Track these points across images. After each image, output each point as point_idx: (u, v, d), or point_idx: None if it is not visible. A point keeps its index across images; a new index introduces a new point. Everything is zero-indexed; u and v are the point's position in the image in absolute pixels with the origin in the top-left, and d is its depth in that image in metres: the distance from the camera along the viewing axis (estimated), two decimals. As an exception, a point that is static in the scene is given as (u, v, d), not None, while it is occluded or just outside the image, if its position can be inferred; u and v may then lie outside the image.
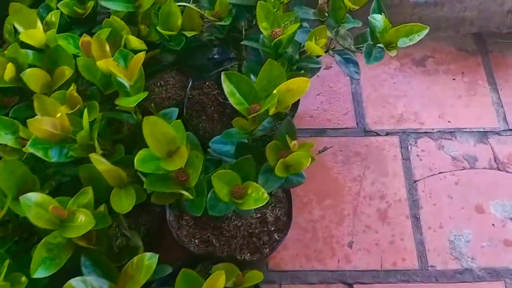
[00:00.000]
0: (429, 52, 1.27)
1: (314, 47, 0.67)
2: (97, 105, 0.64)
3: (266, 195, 0.55)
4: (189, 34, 0.75)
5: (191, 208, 0.56)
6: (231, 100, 0.60)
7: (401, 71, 1.24)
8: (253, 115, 0.60)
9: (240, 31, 0.82)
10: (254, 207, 0.54)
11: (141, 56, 0.62)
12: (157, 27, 0.71)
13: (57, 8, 0.74)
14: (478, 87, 1.20)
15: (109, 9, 0.74)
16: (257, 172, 0.61)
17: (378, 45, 0.76)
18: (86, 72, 0.66)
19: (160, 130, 0.55)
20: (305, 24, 0.89)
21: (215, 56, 0.83)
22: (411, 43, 0.73)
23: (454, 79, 1.22)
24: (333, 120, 1.16)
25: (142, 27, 0.76)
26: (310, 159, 0.59)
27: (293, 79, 0.60)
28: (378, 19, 0.74)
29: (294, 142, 0.61)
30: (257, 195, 0.56)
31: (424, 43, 1.25)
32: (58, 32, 0.73)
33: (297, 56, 0.72)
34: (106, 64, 0.61)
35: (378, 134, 1.13)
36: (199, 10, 0.76)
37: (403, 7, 1.21)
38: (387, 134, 1.13)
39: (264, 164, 0.60)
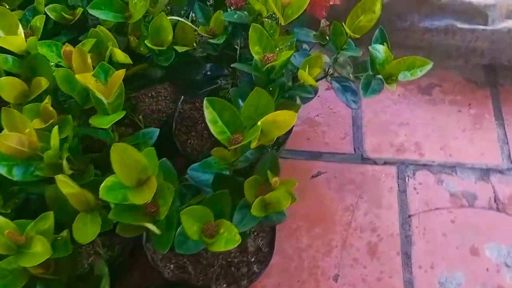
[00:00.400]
0: (437, 80, 1.22)
1: (306, 77, 0.63)
2: (71, 121, 0.60)
3: (238, 236, 0.51)
4: (180, 49, 0.72)
5: (157, 243, 0.52)
6: (212, 129, 0.57)
7: (405, 98, 1.19)
8: (235, 146, 0.56)
9: (235, 48, 0.78)
10: (224, 249, 0.50)
11: (121, 73, 0.58)
12: (146, 41, 0.68)
13: (45, 12, 0.71)
14: (484, 121, 1.15)
15: (99, 16, 0.70)
16: (234, 207, 0.57)
17: (378, 76, 0.72)
18: (64, 84, 0.62)
19: (130, 158, 0.51)
20: (305, 46, 0.85)
21: (208, 73, 0.79)
22: (412, 78, 0.69)
23: (460, 110, 1.17)
24: (331, 144, 1.12)
25: (132, 38, 0.73)
26: (290, 200, 0.55)
27: (280, 111, 0.56)
28: (380, 50, 0.70)
29: (276, 178, 0.57)
30: (229, 236, 0.52)
31: (432, 70, 1.20)
32: (45, 37, 0.70)
33: (290, 83, 0.68)
34: (84, 78, 0.57)
35: (375, 163, 1.09)
36: (192, 26, 0.72)
37: (413, 32, 1.17)
38: (385, 163, 1.09)
39: (242, 200, 0.56)
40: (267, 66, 0.63)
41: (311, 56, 0.65)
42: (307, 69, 0.64)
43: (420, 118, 1.16)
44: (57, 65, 0.66)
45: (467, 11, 1.11)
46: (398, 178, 1.07)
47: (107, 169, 0.61)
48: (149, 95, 0.92)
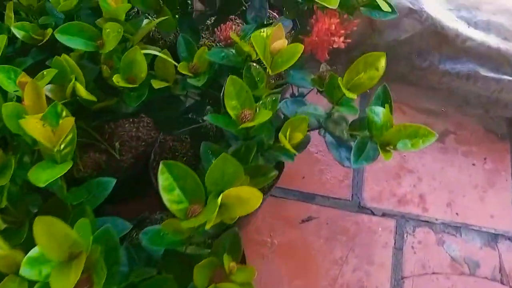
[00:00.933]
0: (453, 127, 1.12)
1: (285, 143, 0.55)
2: (12, 164, 0.53)
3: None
4: (157, 85, 0.64)
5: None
6: (165, 197, 0.49)
7: (415, 143, 1.09)
8: (191, 219, 0.49)
9: (221, 87, 0.70)
10: None
11: (70, 121, 0.50)
12: (115, 77, 0.60)
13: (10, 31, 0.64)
14: (499, 179, 1.05)
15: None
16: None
17: (375, 140, 0.63)
18: (12, 120, 0.55)
19: (58, 232, 0.43)
20: (301, 90, 0.77)
21: (189, 113, 0.71)
22: (412, 150, 0.60)
23: (474, 164, 1.07)
24: (327, 186, 1.03)
25: (104, 68, 0.65)
26: (246, 294, 0.47)
27: (246, 188, 0.48)
28: (379, 113, 0.61)
29: (233, 264, 0.49)
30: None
31: (449, 114, 1.11)
32: (9, 58, 0.63)
33: (271, 141, 0.60)
34: (27, 124, 0.50)
35: (373, 213, 1.00)
36: (172, 61, 0.64)
37: (432, 73, 1.07)
38: (384, 215, 1.00)
39: (190, 285, 0.49)
40: (242, 126, 0.54)
41: (294, 118, 0.56)
42: (288, 133, 0.55)
43: (429, 167, 1.06)
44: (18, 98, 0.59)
45: (494, 58, 1.00)
46: (395, 233, 0.98)
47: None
48: (131, 120, 0.85)
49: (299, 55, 0.58)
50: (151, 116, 0.74)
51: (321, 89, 0.70)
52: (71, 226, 0.45)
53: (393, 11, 0.71)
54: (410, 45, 1.05)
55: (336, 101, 0.65)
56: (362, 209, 1.00)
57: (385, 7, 0.67)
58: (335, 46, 0.72)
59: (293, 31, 1.01)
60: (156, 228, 0.52)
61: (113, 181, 0.58)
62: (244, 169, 0.56)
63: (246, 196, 0.48)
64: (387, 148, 0.61)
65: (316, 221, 0.98)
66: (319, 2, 0.65)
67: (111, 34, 0.61)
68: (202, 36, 0.97)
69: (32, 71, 0.59)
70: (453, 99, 1.08)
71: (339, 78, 0.62)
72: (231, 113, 0.55)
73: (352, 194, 1.02)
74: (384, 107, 0.63)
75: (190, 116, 0.72)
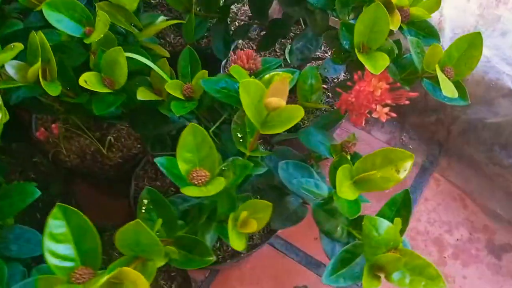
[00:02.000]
0: (518, 244, 0.90)
1: (229, 227, 0.41)
2: None
3: None
4: (143, 96, 0.53)
5: None
6: (47, 245, 0.38)
7: (464, 249, 0.89)
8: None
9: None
10: None
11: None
12: (84, 76, 0.50)
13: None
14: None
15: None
16: None
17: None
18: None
19: None
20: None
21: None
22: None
23: (528, 299, 0.85)
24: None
25: (92, 58, 0.56)
26: None
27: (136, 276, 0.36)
28: (380, 227, 0.45)
29: None
30: None
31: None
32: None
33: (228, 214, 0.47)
34: None
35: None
36: (162, 74, 0.53)
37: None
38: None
39: None
40: (188, 188, 0.42)
41: (253, 202, 0.43)
42: (240, 216, 0.42)
43: (471, 283, 0.86)
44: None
45: None
46: None
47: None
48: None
49: (297, 120, 0.44)
50: (134, 129, 0.64)
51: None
52: None
53: (464, 98, 0.54)
54: (497, 132, 0.84)
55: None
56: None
57: (448, 90, 0.50)
58: (374, 115, 0.57)
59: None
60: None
61: (37, 193, 0.49)
62: (176, 238, 0.45)
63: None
64: (377, 273, 0.45)
65: (310, 294, 0.83)
66: (363, 62, 0.50)
67: (101, 19, 0.51)
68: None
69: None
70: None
71: (346, 165, 0.47)
72: (182, 166, 0.43)
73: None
74: (393, 221, 0.47)
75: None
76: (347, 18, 0.57)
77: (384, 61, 0.49)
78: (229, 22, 0.65)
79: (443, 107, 0.90)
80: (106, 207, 0.80)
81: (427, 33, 0.55)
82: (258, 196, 0.71)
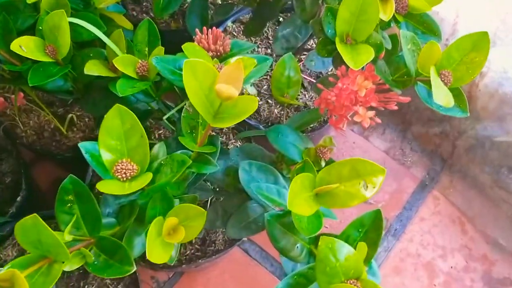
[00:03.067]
0: (519, 278, 0.81)
1: (150, 232, 0.34)
2: None
3: None
4: (90, 70, 0.47)
5: None
6: None
7: (457, 278, 0.81)
8: None
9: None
10: None
11: None
12: (17, 40, 0.44)
13: None
14: None
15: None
16: None
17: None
18: None
19: None
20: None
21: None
22: None
23: None
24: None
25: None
26: None
27: None
28: (340, 251, 0.38)
29: None
30: None
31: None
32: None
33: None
34: None
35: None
36: (115, 50, 0.46)
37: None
38: None
39: None
40: (110, 186, 0.35)
41: (185, 206, 0.35)
42: (167, 224, 0.35)
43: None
44: None
45: None
46: None
47: None
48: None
49: (251, 112, 0.36)
50: (83, 107, 0.58)
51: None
52: None
53: (463, 108, 0.46)
54: (506, 153, 0.76)
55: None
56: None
57: (440, 97, 0.42)
58: (356, 119, 0.49)
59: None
60: None
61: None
62: (97, 239, 0.38)
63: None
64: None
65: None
66: (341, 53, 0.42)
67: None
68: (258, 45, 0.76)
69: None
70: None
71: (309, 174, 0.39)
72: (105, 156, 0.36)
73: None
74: (355, 247, 0.39)
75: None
76: (337, 2, 0.49)
77: (367, 55, 0.41)
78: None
79: (450, 119, 0.81)
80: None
81: (427, 28, 0.47)
82: (221, 198, 0.65)
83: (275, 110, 0.73)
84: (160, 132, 0.70)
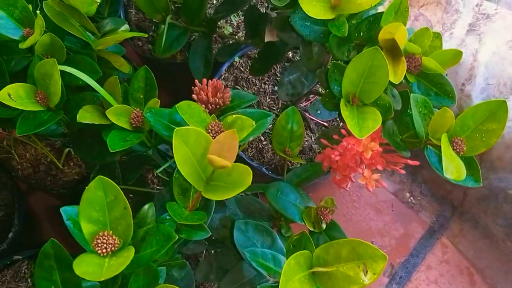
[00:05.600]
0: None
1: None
2: None
3: None
4: (83, 118, 0.44)
5: None
6: None
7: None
8: None
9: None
10: None
11: None
12: (6, 88, 0.41)
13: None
14: None
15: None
16: None
17: None
18: None
19: None
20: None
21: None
22: None
23: None
24: None
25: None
26: None
27: None
28: None
29: None
30: None
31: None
32: None
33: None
34: None
35: None
36: (109, 99, 0.44)
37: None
38: None
39: None
40: (88, 262, 0.32)
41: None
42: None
43: None
44: None
45: None
46: None
47: None
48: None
49: (246, 186, 0.34)
50: (77, 152, 0.56)
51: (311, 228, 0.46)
52: None
53: (476, 179, 0.42)
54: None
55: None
56: None
57: (450, 170, 0.38)
58: (360, 181, 0.47)
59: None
60: None
61: None
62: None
63: None
64: None
65: None
66: (345, 120, 0.40)
67: (38, 24, 0.42)
68: (265, 82, 0.73)
69: None
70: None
71: (306, 252, 0.36)
72: (86, 228, 0.33)
73: None
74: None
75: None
76: (345, 57, 0.46)
77: (374, 122, 0.39)
78: (214, 39, 0.55)
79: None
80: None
81: (440, 90, 0.44)
82: (218, 250, 0.61)
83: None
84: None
